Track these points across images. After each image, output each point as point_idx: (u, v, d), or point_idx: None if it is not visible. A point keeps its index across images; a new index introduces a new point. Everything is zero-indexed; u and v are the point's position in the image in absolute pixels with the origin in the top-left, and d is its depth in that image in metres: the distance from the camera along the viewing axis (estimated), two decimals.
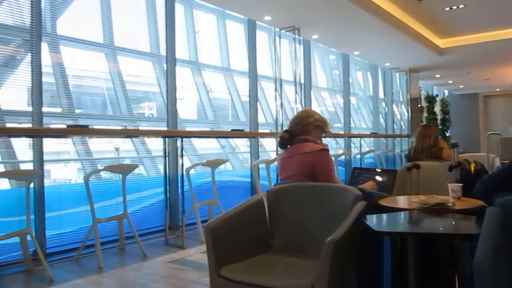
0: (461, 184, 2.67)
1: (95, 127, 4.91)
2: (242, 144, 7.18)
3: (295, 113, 3.21)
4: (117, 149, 5.81)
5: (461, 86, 15.48)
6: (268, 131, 7.38)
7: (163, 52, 5.58)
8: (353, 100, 10.26)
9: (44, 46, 4.41)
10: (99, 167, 4.94)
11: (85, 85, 5.36)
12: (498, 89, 16.24)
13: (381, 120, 11.28)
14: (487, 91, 16.73)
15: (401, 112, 12.10)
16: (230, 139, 6.84)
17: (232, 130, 6.31)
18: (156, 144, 5.58)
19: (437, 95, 14.24)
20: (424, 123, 11.84)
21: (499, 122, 16.34)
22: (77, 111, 5.02)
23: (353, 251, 2.23)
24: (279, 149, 5.01)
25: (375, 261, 2.41)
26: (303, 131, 2.81)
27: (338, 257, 1.95)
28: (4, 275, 3.52)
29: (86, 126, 4.30)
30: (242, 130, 6.42)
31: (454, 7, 7.30)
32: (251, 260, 2.30)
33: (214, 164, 5.02)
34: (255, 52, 6.94)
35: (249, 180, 6.33)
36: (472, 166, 3.06)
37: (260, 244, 2.47)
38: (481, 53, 9.38)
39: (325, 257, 1.90)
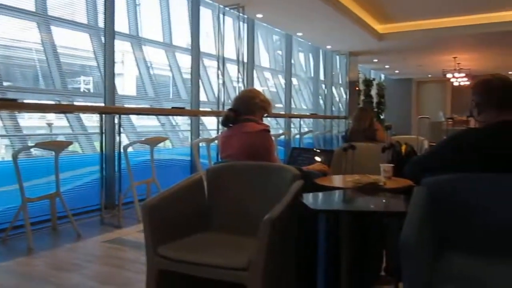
0: (392, 165, 2.80)
1: (26, 101, 4.63)
2: (183, 122, 7.08)
3: (239, 92, 3.20)
4: (49, 125, 5.53)
5: (397, 71, 16.11)
6: (209, 109, 7.32)
7: (101, 24, 5.32)
8: (294, 81, 10.38)
9: None
10: (30, 143, 4.68)
11: (14, 56, 5.01)
12: (430, 76, 17.08)
13: (321, 101, 11.53)
14: (420, 77, 17.55)
15: (340, 95, 12.42)
16: (171, 117, 6.71)
17: (172, 107, 6.19)
18: (92, 121, 5.37)
19: (374, 79, 14.73)
20: (361, 105, 12.24)
21: (429, 107, 17.23)
22: (5, 83, 4.69)
23: (291, 229, 2.29)
24: (220, 127, 4.97)
25: (312, 239, 2.48)
26: (248, 110, 2.81)
27: (276, 234, 1.99)
28: None
29: (15, 100, 4.04)
30: (183, 108, 6.33)
31: None
32: (190, 238, 2.30)
33: (153, 142, 4.93)
34: (198, 28, 6.80)
35: (189, 158, 6.27)
36: (403, 148, 3.21)
37: (199, 223, 2.47)
38: (415, 40, 9.75)
39: (263, 235, 1.94)
